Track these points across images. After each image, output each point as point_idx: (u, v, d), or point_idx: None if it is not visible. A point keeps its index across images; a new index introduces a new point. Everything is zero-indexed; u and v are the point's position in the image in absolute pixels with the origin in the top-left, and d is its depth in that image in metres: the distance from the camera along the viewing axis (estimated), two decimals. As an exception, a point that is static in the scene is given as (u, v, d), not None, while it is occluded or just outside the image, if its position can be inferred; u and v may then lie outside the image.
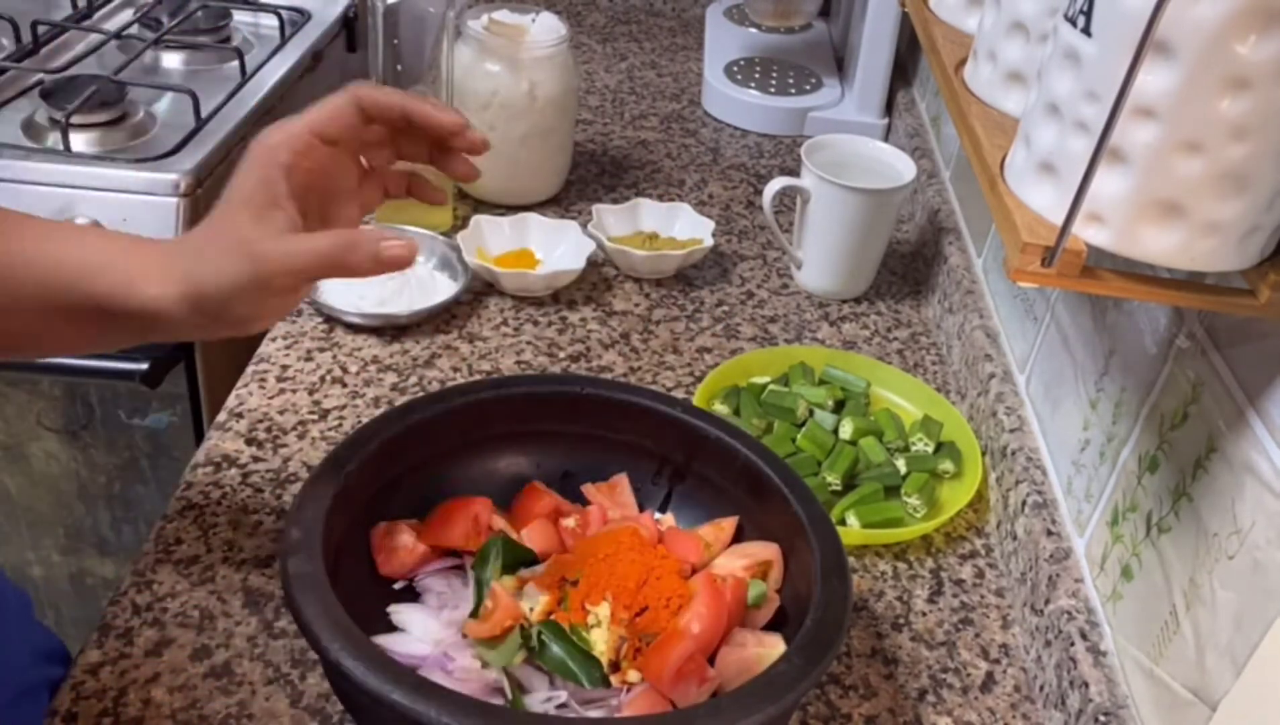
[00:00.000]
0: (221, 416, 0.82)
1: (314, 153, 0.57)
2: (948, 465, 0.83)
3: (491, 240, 1.02)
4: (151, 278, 0.53)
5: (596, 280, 1.02)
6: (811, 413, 0.87)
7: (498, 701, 0.58)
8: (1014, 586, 0.75)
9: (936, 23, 0.68)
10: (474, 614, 0.62)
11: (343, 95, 0.59)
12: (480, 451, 0.70)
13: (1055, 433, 0.77)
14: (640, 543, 0.63)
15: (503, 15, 1.06)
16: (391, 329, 0.93)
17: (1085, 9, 0.44)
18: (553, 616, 0.60)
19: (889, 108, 1.33)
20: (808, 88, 1.37)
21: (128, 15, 1.34)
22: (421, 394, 0.86)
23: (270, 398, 0.85)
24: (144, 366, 1.06)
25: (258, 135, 0.57)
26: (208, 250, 0.54)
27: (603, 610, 0.59)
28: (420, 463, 0.67)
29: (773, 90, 1.35)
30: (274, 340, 0.90)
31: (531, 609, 0.61)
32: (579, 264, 0.98)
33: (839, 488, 0.80)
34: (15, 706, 0.63)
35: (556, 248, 1.02)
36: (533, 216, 1.04)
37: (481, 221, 1.02)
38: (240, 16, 1.35)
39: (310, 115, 0.58)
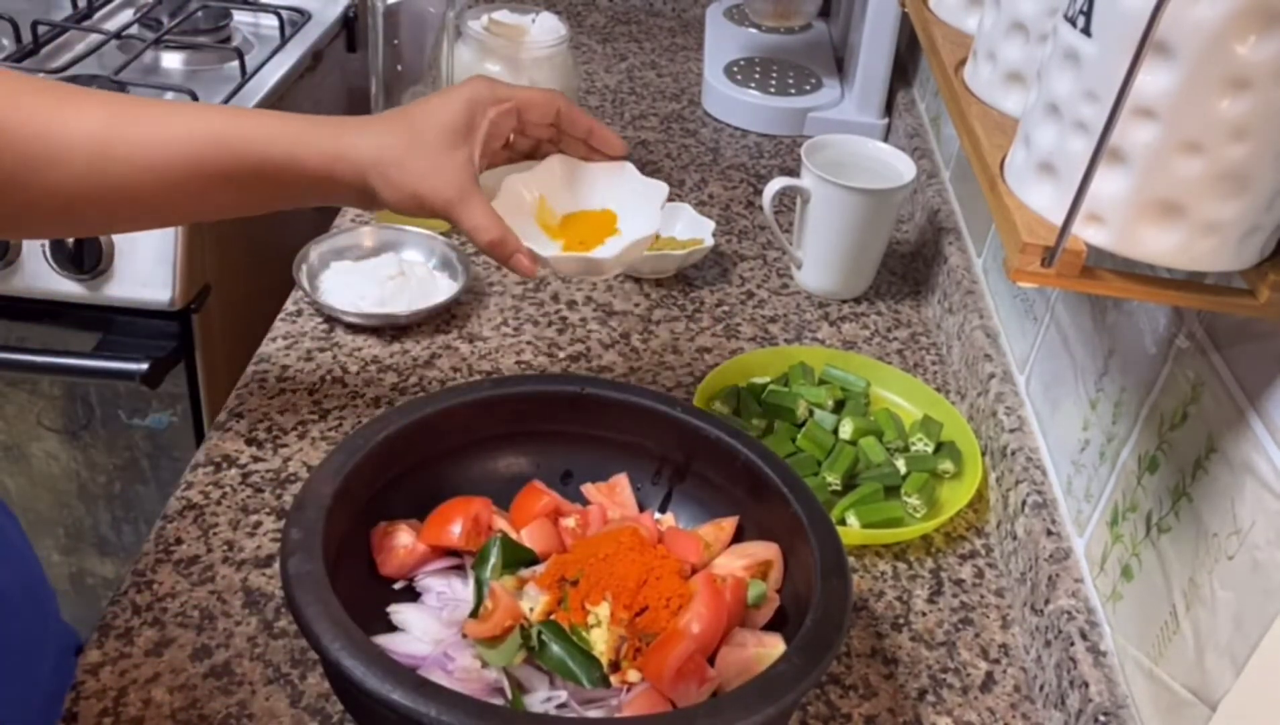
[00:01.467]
0: (221, 416, 0.83)
1: (508, 120, 0.68)
2: (948, 465, 0.83)
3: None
4: (344, 156, 0.64)
5: (596, 280, 1.03)
6: (811, 413, 0.87)
7: (498, 701, 0.58)
8: (1014, 586, 0.75)
9: (936, 23, 0.68)
10: (474, 614, 0.62)
11: (551, 94, 0.70)
12: (480, 451, 0.70)
13: (1055, 433, 0.77)
14: (640, 543, 0.63)
15: (503, 15, 1.06)
16: (391, 329, 0.93)
17: (1085, 9, 0.44)
18: (553, 616, 0.60)
19: (889, 108, 1.33)
20: (808, 88, 1.37)
21: (128, 15, 1.34)
22: (421, 394, 0.86)
23: (270, 398, 0.85)
24: (144, 366, 1.06)
25: (476, 81, 0.67)
26: (412, 160, 0.64)
27: (603, 610, 0.59)
28: (420, 463, 0.67)
29: (773, 90, 1.35)
30: (274, 340, 0.90)
31: (531, 609, 0.61)
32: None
33: (839, 488, 0.80)
34: (53, 700, 0.63)
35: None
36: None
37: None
38: (240, 16, 1.35)
39: (522, 94, 0.68)
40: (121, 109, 0.62)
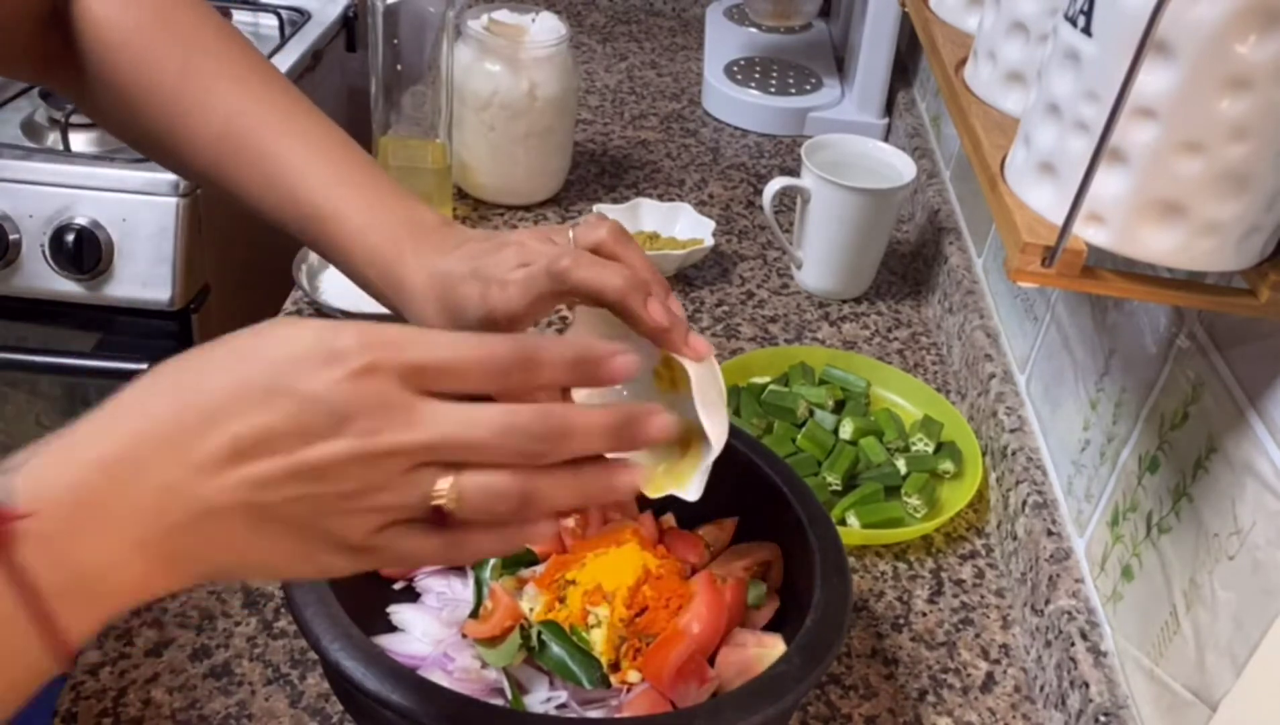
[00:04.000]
0: (221, 416, 0.82)
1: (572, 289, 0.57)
2: (948, 465, 0.83)
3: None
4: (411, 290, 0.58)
5: (596, 280, 1.02)
6: (811, 413, 0.87)
7: (498, 701, 0.58)
8: (1014, 586, 0.75)
9: (937, 23, 0.68)
10: (474, 614, 0.62)
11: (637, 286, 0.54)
12: (480, 451, 0.70)
13: (1055, 433, 0.77)
14: (640, 543, 0.63)
15: (503, 15, 1.06)
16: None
17: (1085, 9, 0.44)
18: (552, 616, 0.60)
19: (889, 108, 1.33)
20: (808, 88, 1.37)
21: (128, 15, 1.34)
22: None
23: (270, 398, 0.84)
24: (144, 367, 1.06)
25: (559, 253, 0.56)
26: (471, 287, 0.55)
27: (603, 610, 0.59)
28: (420, 463, 0.67)
29: (773, 90, 1.35)
30: (274, 340, 0.90)
31: (531, 609, 0.61)
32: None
33: (839, 488, 0.80)
34: (34, 703, 0.63)
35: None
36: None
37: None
38: (240, 16, 1.35)
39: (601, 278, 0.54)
40: (241, 136, 0.61)
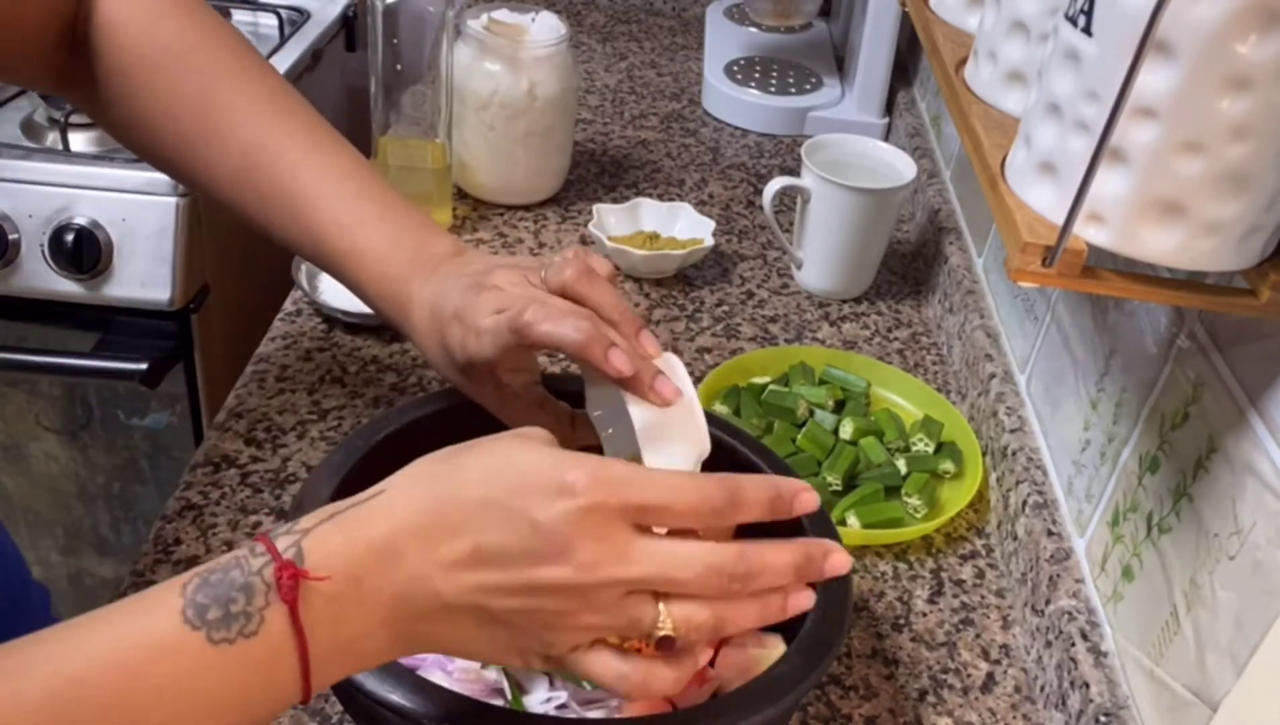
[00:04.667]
0: (221, 416, 0.82)
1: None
2: (948, 465, 0.83)
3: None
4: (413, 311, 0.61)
5: (596, 280, 1.02)
6: (811, 413, 0.87)
7: (498, 702, 0.58)
8: (1014, 587, 0.75)
9: (937, 22, 0.68)
10: (474, 614, 0.62)
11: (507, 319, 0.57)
12: (480, 451, 0.70)
13: (1056, 433, 0.77)
14: (640, 543, 0.63)
15: (503, 15, 1.06)
16: (391, 329, 0.93)
17: (1085, 9, 0.44)
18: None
19: (889, 108, 1.33)
20: (808, 87, 1.37)
21: (127, 15, 1.33)
22: (421, 394, 0.86)
23: (270, 398, 0.84)
24: (144, 366, 1.06)
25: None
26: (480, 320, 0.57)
27: (603, 611, 0.59)
28: (420, 463, 0.67)
29: (773, 90, 1.35)
30: (273, 340, 0.90)
31: (531, 609, 0.61)
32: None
33: (839, 488, 0.80)
34: None
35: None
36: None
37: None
38: (240, 16, 1.35)
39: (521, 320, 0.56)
40: (260, 157, 0.64)
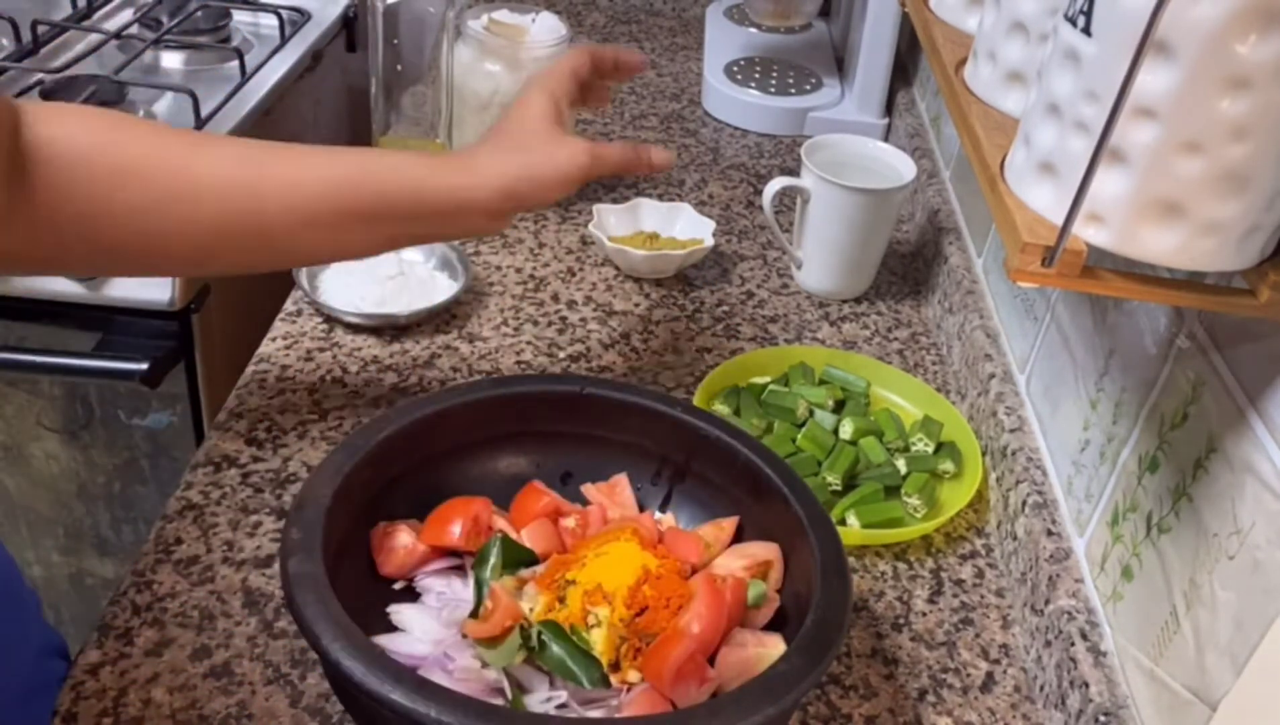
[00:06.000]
0: (221, 416, 0.82)
1: (571, 84, 0.75)
2: (948, 465, 0.83)
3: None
4: (478, 176, 0.69)
5: (596, 280, 1.03)
6: (811, 413, 0.87)
7: (498, 701, 0.58)
8: (1014, 586, 0.75)
9: (936, 23, 0.68)
10: (474, 614, 0.62)
11: (578, 54, 0.77)
12: (480, 451, 0.70)
13: (1055, 433, 0.77)
14: (640, 543, 0.63)
15: (503, 15, 1.06)
16: (391, 329, 0.93)
17: (1085, 9, 0.44)
18: (552, 616, 0.60)
19: (889, 108, 1.33)
20: (808, 88, 1.37)
21: (128, 15, 1.34)
22: (421, 394, 0.86)
23: (270, 398, 0.85)
24: (144, 366, 1.06)
25: (531, 79, 0.75)
26: (537, 149, 0.70)
27: (603, 610, 0.59)
28: (420, 463, 0.67)
29: (773, 90, 1.35)
30: (274, 340, 0.90)
31: (531, 609, 0.61)
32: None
33: (839, 488, 0.80)
34: (26, 703, 0.64)
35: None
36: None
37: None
38: (240, 16, 1.35)
39: (565, 65, 0.75)
40: (257, 151, 0.66)
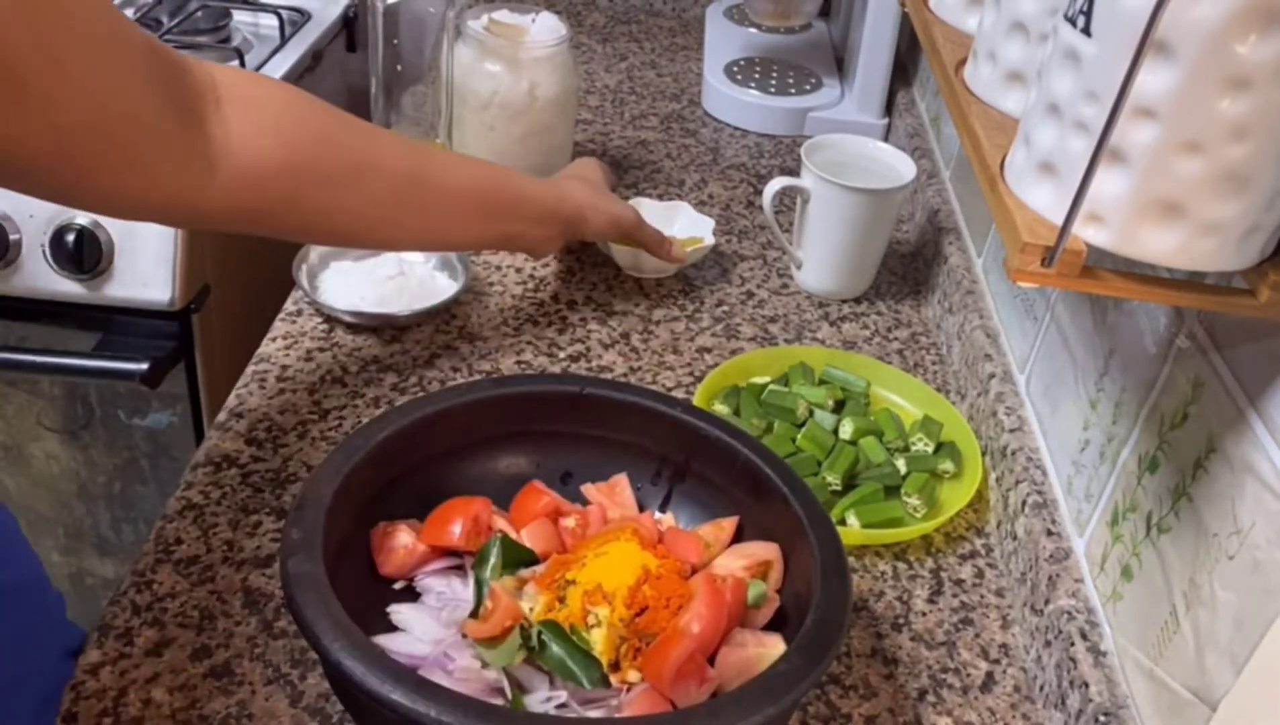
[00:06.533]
0: (221, 416, 0.83)
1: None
2: (948, 465, 0.83)
3: None
4: (566, 193, 0.88)
5: (596, 280, 1.03)
6: (811, 413, 0.87)
7: (498, 701, 0.58)
8: (1014, 586, 0.75)
9: (936, 23, 0.68)
10: (474, 614, 0.62)
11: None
12: (480, 451, 0.70)
13: (1055, 433, 0.77)
14: (640, 543, 0.63)
15: (503, 15, 1.06)
16: (391, 329, 0.93)
17: (1085, 9, 0.44)
18: (552, 616, 0.60)
19: (889, 108, 1.33)
20: (808, 88, 1.37)
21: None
22: (421, 394, 0.86)
23: (270, 398, 0.85)
24: (144, 366, 1.06)
25: (586, 162, 1.00)
26: (605, 193, 0.94)
27: (603, 610, 0.59)
28: (420, 463, 0.67)
29: (773, 90, 1.35)
30: (274, 340, 0.90)
31: (531, 609, 0.61)
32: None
33: (839, 488, 0.80)
34: (45, 704, 0.64)
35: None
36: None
37: None
38: (240, 16, 1.35)
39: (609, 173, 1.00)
40: (421, 149, 0.78)
